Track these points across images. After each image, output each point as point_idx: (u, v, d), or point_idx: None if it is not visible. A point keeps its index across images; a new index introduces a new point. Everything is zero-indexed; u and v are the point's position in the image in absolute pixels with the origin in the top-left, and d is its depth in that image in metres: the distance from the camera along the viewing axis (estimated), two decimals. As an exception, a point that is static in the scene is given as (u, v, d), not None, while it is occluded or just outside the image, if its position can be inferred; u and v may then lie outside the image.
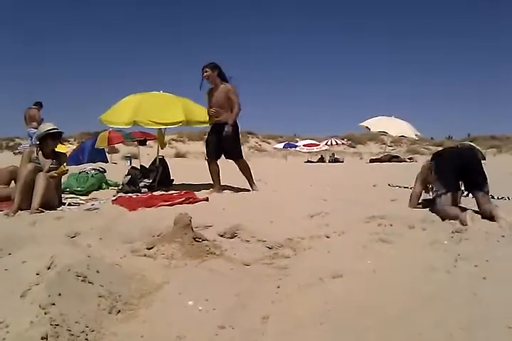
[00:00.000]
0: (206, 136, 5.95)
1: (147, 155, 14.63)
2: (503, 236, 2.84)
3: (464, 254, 2.39)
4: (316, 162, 24.88)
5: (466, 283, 2.00)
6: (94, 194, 6.21)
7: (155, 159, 6.95)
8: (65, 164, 4.90)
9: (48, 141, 4.87)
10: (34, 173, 4.51)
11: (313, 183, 7.39)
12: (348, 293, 1.93)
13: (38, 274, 1.78)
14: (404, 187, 6.08)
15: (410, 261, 2.35)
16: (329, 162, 24.30)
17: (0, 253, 2.40)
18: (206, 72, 5.69)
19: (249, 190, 5.91)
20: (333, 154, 26.34)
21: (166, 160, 7.08)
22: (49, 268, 1.82)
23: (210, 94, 5.83)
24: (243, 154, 6.06)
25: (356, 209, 3.76)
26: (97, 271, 1.89)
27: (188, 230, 2.58)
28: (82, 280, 1.76)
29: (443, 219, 3.37)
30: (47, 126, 4.96)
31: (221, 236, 3.09)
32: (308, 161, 25.74)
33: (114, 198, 5.40)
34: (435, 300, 1.84)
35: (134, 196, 5.58)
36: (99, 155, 15.72)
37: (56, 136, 4.92)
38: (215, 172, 5.86)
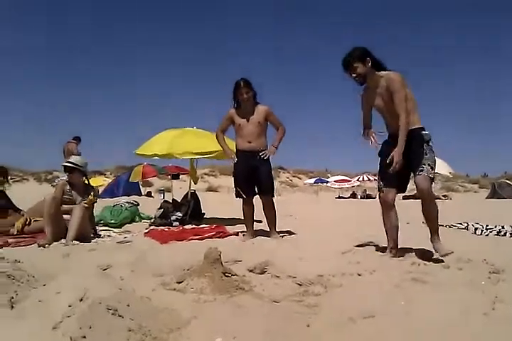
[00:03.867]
0: (233, 169, 5.07)
1: (179, 188, 14.79)
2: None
3: (501, 296, 2.30)
4: (348, 198, 24.64)
5: (504, 327, 1.92)
6: (127, 227, 6.32)
7: (187, 193, 7.05)
8: (92, 193, 4.98)
9: (67, 174, 5.04)
10: (54, 203, 4.61)
11: (344, 219, 7.30)
12: (380, 335, 1.87)
13: (70, 306, 1.80)
14: (439, 225, 5.93)
15: (445, 302, 2.27)
16: (361, 198, 24.03)
17: (35, 284, 2.45)
18: (247, 93, 4.82)
19: (284, 233, 5.31)
20: (365, 190, 26.08)
21: (198, 195, 7.17)
22: (81, 300, 1.85)
23: (240, 116, 4.92)
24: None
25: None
26: (128, 305, 1.90)
27: (218, 265, 2.58)
28: (113, 314, 1.77)
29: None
30: (70, 159, 5.16)
31: (251, 271, 3.06)
32: (340, 197, 25.53)
33: (146, 231, 5.48)
34: (472, 344, 1.77)
35: (166, 229, 5.64)
36: (134, 188, 16.07)
37: (70, 170, 5.02)
38: (248, 215, 5.01)
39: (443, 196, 20.37)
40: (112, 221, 6.31)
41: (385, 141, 3.67)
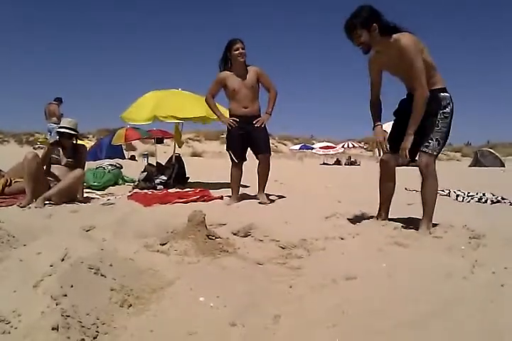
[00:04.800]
0: (226, 133, 4.93)
1: (164, 153, 14.69)
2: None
3: (481, 260, 2.33)
4: (332, 164, 24.80)
5: (483, 290, 1.96)
6: (110, 189, 6.28)
7: (171, 157, 6.99)
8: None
9: (60, 138, 4.90)
10: (35, 161, 4.48)
11: (329, 185, 7.35)
12: (362, 296, 1.90)
13: (51, 266, 1.78)
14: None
15: (426, 265, 2.31)
16: (345, 165, 24.21)
17: (15, 243, 2.42)
18: (243, 49, 4.59)
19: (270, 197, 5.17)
20: (350, 157, 26.27)
21: (182, 159, 7.11)
22: (63, 259, 1.83)
23: (234, 80, 4.69)
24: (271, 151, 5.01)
25: (372, 212, 3.71)
26: (110, 265, 1.89)
27: (202, 227, 2.57)
28: (95, 273, 1.76)
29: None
30: (63, 123, 4.97)
31: (234, 234, 3.07)
32: (324, 163, 25.68)
33: (129, 194, 5.45)
34: (451, 306, 1.80)
35: (150, 192, 5.61)
36: (117, 152, 15.90)
37: (66, 136, 4.87)
38: (236, 180, 4.92)
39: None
40: (95, 183, 6.26)
41: (402, 100, 3.40)
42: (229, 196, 5.07)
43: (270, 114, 4.82)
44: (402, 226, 3.23)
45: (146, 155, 18.84)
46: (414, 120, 3.05)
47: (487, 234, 2.91)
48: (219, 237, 2.63)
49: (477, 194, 5.50)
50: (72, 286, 1.59)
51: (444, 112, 3.08)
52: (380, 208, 3.56)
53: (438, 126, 3.08)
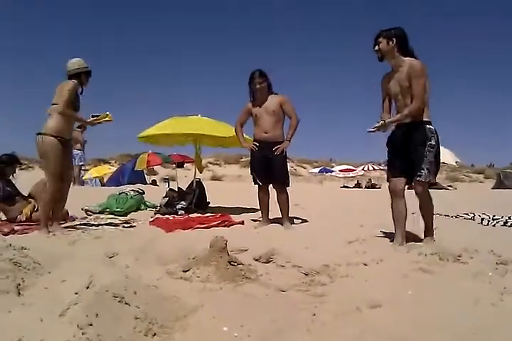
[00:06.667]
0: (250, 158, 5.12)
1: (185, 177, 14.81)
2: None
3: (510, 287, 2.28)
4: (353, 187, 24.57)
5: (512, 318, 1.91)
6: (132, 215, 6.32)
7: (192, 182, 7.05)
8: (108, 112, 4.62)
9: (84, 78, 4.64)
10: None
11: (349, 209, 7.29)
12: (387, 324, 1.87)
13: (76, 293, 1.80)
14: (445, 216, 5.90)
15: (453, 292, 2.26)
16: (366, 188, 23.96)
17: (41, 271, 2.45)
18: (260, 83, 4.85)
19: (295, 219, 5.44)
20: (370, 180, 25.98)
21: (203, 183, 7.16)
22: (87, 287, 1.85)
23: (257, 107, 4.93)
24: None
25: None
26: (134, 292, 1.90)
27: (224, 253, 2.57)
28: (119, 301, 1.77)
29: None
30: (79, 65, 4.59)
31: (256, 260, 3.06)
32: (344, 186, 25.45)
33: (151, 219, 5.49)
34: (479, 334, 1.76)
35: (171, 218, 5.65)
36: (139, 177, 16.10)
37: (90, 75, 4.68)
38: (264, 203, 5.09)
39: (448, 186, 20.32)
40: (118, 209, 6.33)
41: (393, 131, 3.68)
42: (258, 220, 5.14)
43: (289, 141, 4.95)
44: (426, 252, 3.18)
45: (167, 180, 19.02)
46: (400, 117, 3.50)
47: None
48: (241, 263, 2.62)
49: (502, 217, 5.38)
50: (97, 315, 1.60)
51: (430, 143, 3.44)
52: (396, 232, 3.55)
53: (426, 157, 3.44)
